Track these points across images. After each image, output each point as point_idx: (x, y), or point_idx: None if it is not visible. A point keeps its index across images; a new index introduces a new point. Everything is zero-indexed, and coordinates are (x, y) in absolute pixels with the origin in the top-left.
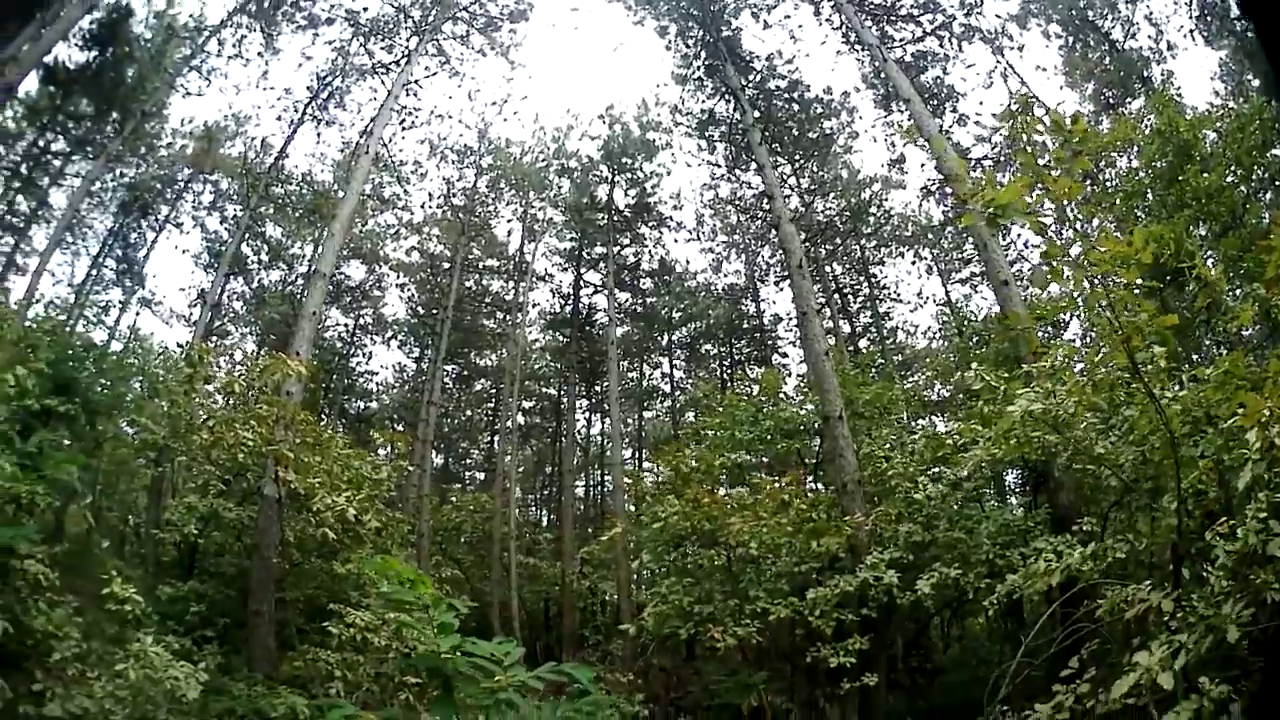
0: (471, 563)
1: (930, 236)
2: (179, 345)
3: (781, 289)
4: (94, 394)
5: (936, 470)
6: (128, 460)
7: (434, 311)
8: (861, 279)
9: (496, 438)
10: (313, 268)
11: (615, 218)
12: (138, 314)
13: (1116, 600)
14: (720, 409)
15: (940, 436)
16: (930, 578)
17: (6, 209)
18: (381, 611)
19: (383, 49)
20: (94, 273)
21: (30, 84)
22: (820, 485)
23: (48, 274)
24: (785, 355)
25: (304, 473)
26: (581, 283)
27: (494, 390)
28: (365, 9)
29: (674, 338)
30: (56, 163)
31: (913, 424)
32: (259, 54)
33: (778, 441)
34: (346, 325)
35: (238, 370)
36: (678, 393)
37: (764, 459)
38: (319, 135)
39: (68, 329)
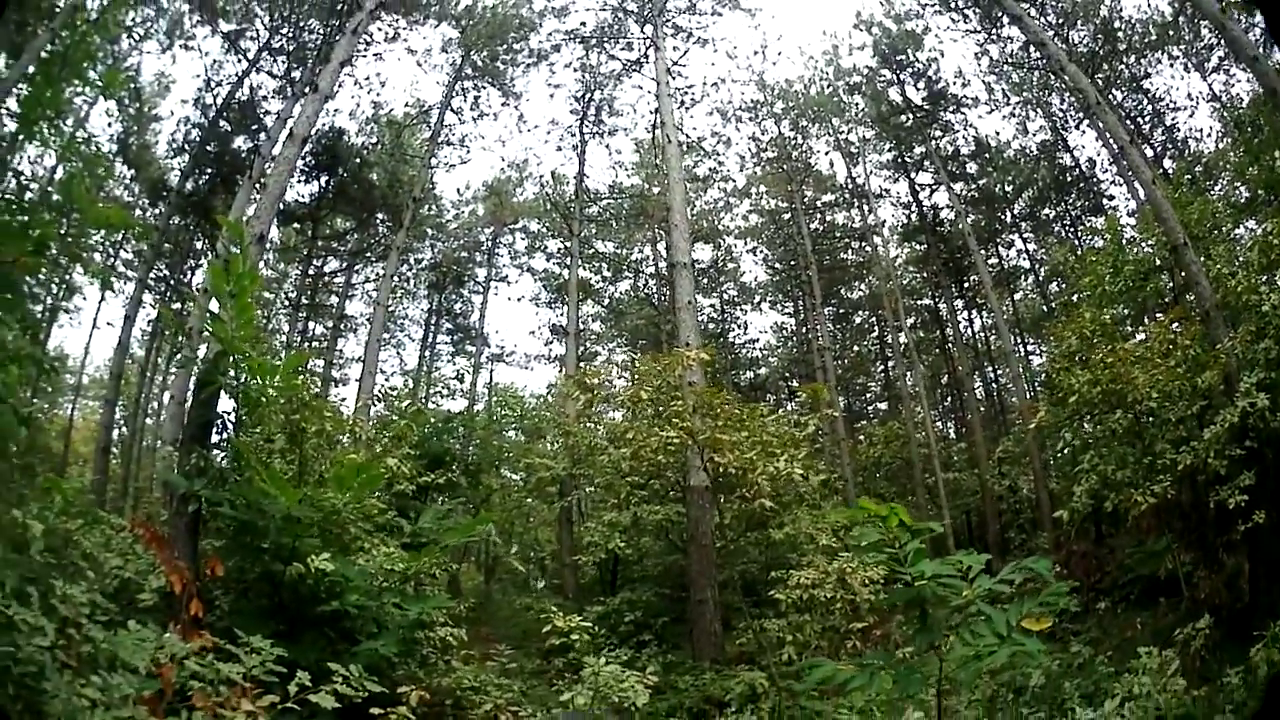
0: (894, 493)
1: (1171, 34)
2: (566, 378)
3: (1084, 132)
4: (470, 457)
5: (1267, 277)
6: (520, 504)
7: (792, 264)
8: (1142, 98)
9: (890, 363)
10: (669, 263)
11: (918, 114)
12: (492, 371)
13: None
14: (1081, 268)
15: (1267, 238)
16: None
17: (300, 338)
18: (824, 564)
19: (622, 49)
20: (426, 354)
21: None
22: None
23: (380, 374)
24: (1111, 199)
25: (734, 451)
26: (916, 187)
27: (873, 318)
28: (583, 24)
29: (1015, 212)
30: (338, 280)
31: (1232, 234)
32: (502, 105)
33: (1140, 287)
34: (714, 305)
35: (622, 381)
36: (1038, 266)
37: (1126, 310)
38: (607, 146)
39: (420, 409)
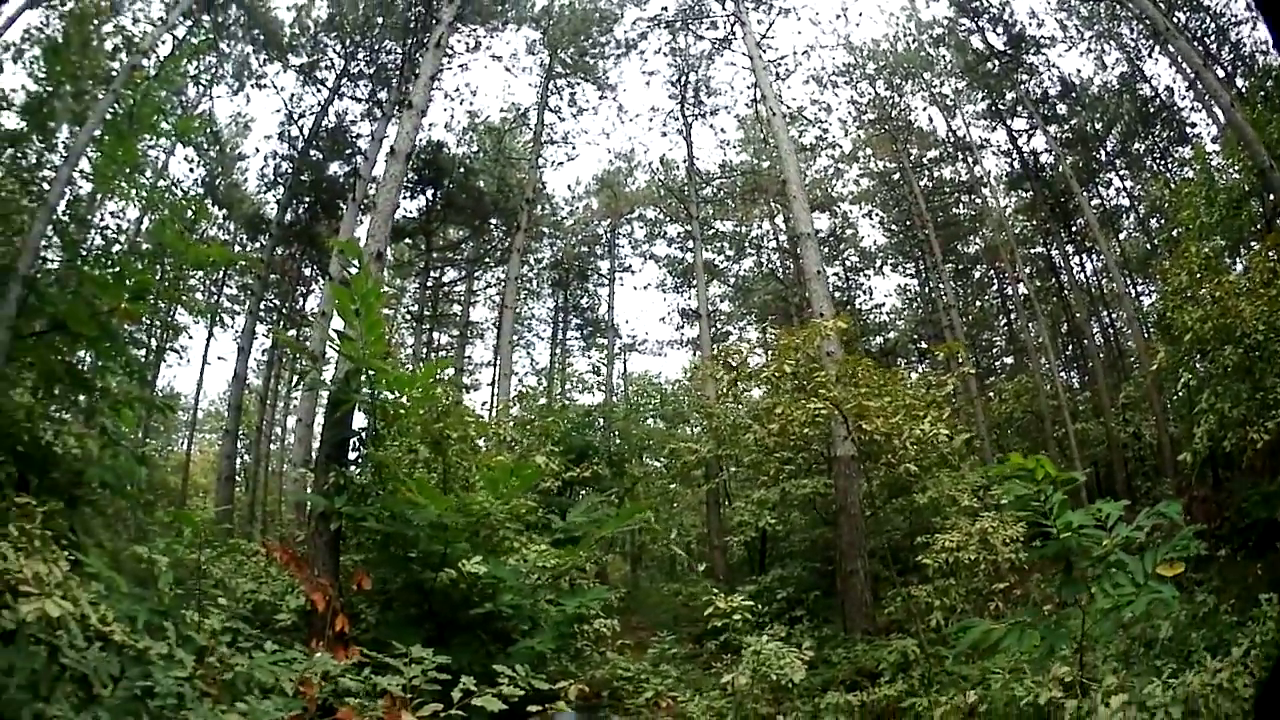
0: (1027, 449)
1: None
2: (707, 360)
3: (1157, 60)
4: (614, 448)
5: None
6: (665, 490)
7: (908, 223)
8: (1204, 17)
9: (1012, 315)
10: (792, 234)
11: (1002, 60)
12: (625, 361)
13: None
14: (1177, 201)
15: None
16: None
17: (426, 349)
18: (966, 526)
19: (707, 28)
20: (557, 351)
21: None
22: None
23: (514, 376)
24: (1194, 126)
25: (880, 417)
26: (1014, 133)
27: (991, 271)
28: (665, 9)
29: (1108, 150)
30: (459, 288)
31: None
32: (599, 98)
33: (1234, 215)
34: (837, 273)
35: (756, 357)
36: (1137, 204)
37: (1224, 240)
38: (711, 126)
39: (565, 405)
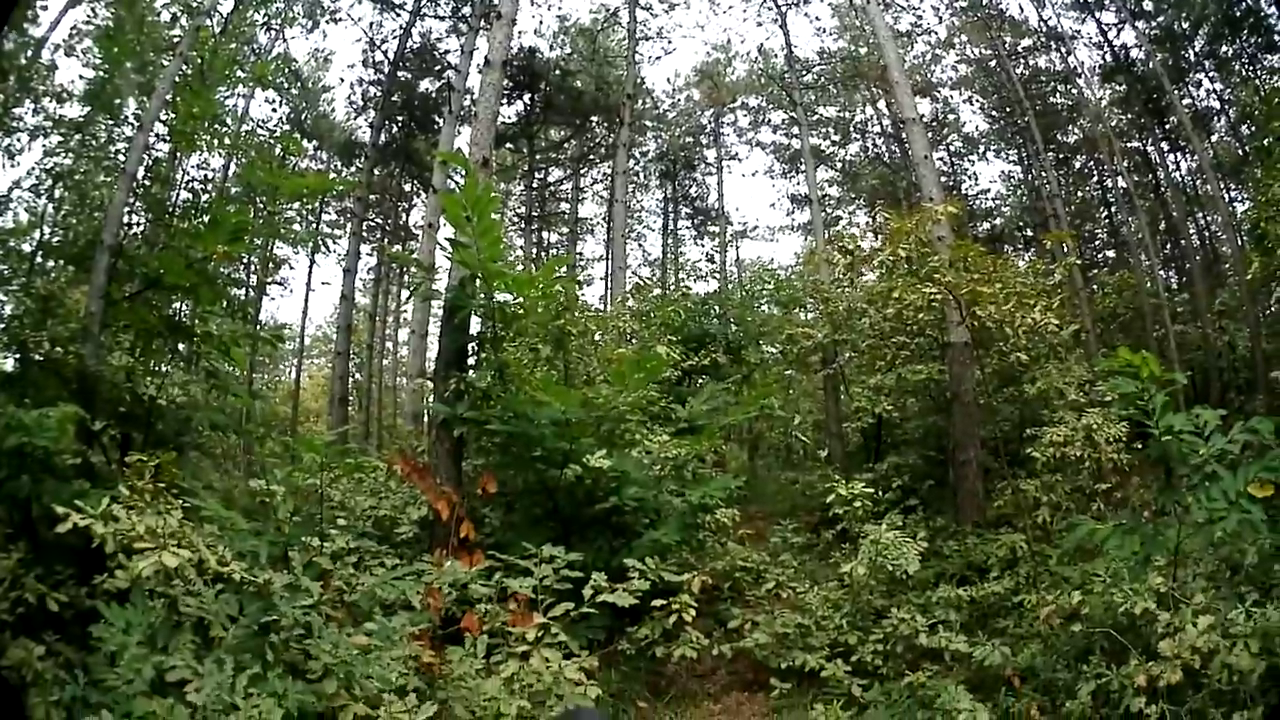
0: (1130, 346)
1: None
2: (825, 243)
3: None
4: (730, 335)
5: None
6: (780, 376)
7: (1008, 110)
8: None
9: (1112, 208)
10: (897, 119)
11: None
12: (738, 248)
13: None
14: (1267, 110)
15: None
16: None
17: (536, 249)
18: (1073, 421)
19: None
20: (669, 241)
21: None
22: None
23: (628, 269)
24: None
25: (992, 303)
26: (1103, 26)
27: (1090, 162)
28: None
29: (1196, 50)
30: (565, 186)
31: None
32: None
33: None
34: (942, 159)
35: (867, 242)
36: (1228, 108)
37: None
38: (806, 14)
39: (685, 292)
